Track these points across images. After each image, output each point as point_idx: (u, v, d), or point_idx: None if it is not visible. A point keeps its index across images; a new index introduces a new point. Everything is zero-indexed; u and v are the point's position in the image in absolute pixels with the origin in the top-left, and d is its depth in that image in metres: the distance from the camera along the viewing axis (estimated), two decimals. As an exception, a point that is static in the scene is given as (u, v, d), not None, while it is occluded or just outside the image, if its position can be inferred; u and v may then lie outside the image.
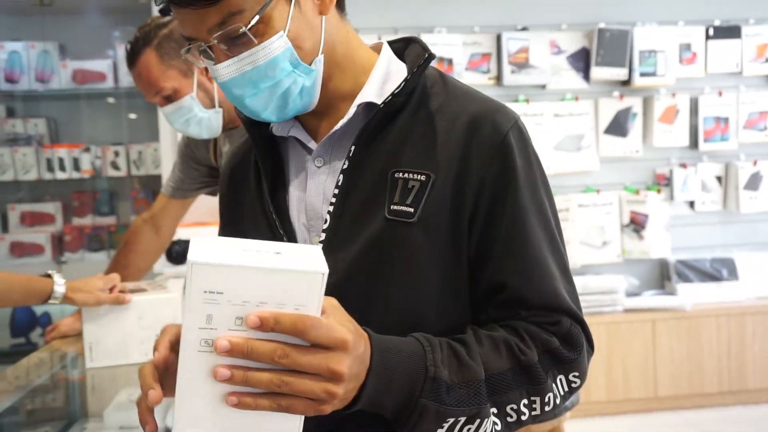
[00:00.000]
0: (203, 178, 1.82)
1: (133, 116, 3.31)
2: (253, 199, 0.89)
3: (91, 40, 3.24)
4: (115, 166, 3.16)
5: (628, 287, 3.47)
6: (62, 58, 3.15)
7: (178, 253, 2.46)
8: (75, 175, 3.11)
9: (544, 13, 3.47)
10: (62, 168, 3.10)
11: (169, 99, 1.55)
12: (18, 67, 3.10)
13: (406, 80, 0.83)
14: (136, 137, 3.24)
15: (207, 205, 2.24)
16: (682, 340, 3.38)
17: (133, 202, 3.26)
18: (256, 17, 0.74)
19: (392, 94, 0.82)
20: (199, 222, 2.61)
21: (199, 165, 1.80)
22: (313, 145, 0.86)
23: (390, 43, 0.91)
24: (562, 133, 3.46)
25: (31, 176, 3.09)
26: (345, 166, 0.83)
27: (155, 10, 2.05)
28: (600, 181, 3.54)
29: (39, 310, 3.10)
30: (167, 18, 1.54)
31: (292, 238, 0.85)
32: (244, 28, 0.74)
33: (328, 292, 0.63)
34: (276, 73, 0.77)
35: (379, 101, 0.82)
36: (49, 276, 1.43)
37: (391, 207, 0.80)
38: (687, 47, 3.51)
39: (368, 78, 0.85)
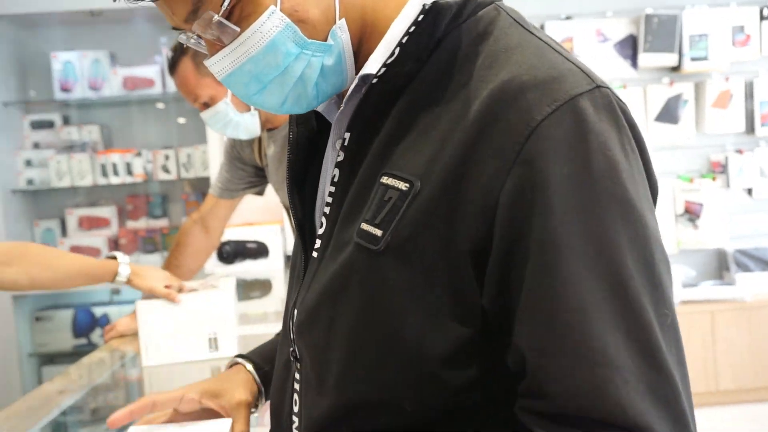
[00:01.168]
0: (249, 178, 1.86)
1: (181, 120, 3.39)
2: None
3: (139, 47, 3.32)
4: (165, 170, 3.24)
5: (684, 278, 3.38)
6: (113, 66, 3.24)
7: (228, 253, 2.51)
8: (128, 179, 3.20)
9: (588, 1, 3.40)
10: (116, 173, 3.19)
11: (207, 105, 1.61)
12: (72, 76, 3.20)
13: (401, 43, 0.59)
14: (184, 140, 3.32)
15: (254, 205, 2.27)
16: (743, 332, 3.26)
17: (184, 204, 3.33)
18: (227, 2, 0.58)
19: (385, 64, 0.59)
20: (247, 222, 2.65)
21: (245, 165, 1.84)
22: None
23: None
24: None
25: (86, 182, 3.19)
26: (339, 158, 0.63)
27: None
28: (651, 170, 3.45)
29: (98, 311, 3.20)
30: None
31: (312, 234, 0.68)
32: (216, 16, 0.58)
33: (298, 323, 0.63)
34: (279, 59, 0.59)
35: (376, 69, 0.61)
36: (114, 258, 1.50)
37: (361, 225, 0.58)
38: (740, 29, 3.38)
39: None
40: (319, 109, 0.67)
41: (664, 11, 3.33)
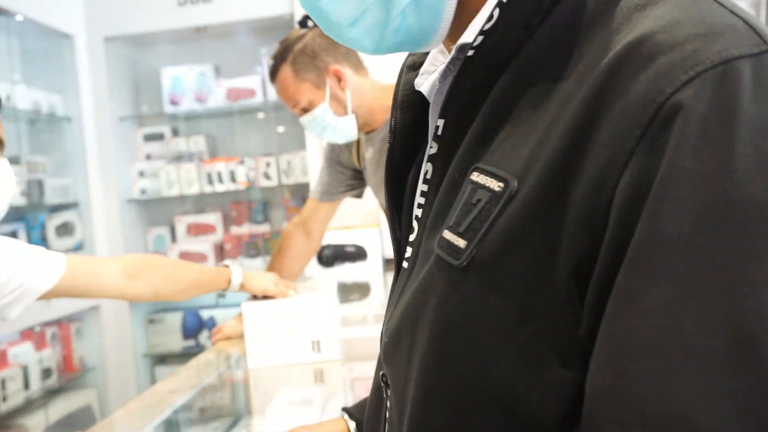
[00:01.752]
0: (348, 181, 1.87)
1: (281, 129, 3.47)
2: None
3: (241, 59, 3.43)
4: (266, 176, 3.32)
5: None
6: (217, 78, 3.37)
7: (327, 257, 2.54)
8: (232, 186, 3.31)
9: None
10: (220, 181, 3.31)
11: (306, 110, 1.62)
12: (179, 90, 3.35)
13: (500, 2, 0.45)
14: (284, 147, 3.40)
15: (352, 208, 2.28)
16: None
17: (285, 209, 3.41)
18: None
19: (482, 31, 0.46)
20: (346, 225, 2.67)
21: (344, 168, 1.85)
22: None
23: None
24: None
25: (193, 190, 3.32)
26: (432, 151, 0.51)
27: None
28: None
29: (205, 314, 3.33)
30: (303, 31, 1.59)
31: (405, 240, 0.58)
32: None
33: (384, 345, 0.54)
34: None
35: (470, 39, 0.47)
36: (226, 266, 1.57)
37: (443, 233, 0.47)
38: None
39: None
40: (422, 89, 0.56)
41: (785, -7, 3.08)
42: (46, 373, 2.83)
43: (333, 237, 2.56)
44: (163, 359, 3.41)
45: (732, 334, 0.35)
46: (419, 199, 0.53)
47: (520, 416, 0.43)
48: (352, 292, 2.40)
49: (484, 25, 0.46)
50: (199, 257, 3.32)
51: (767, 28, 0.40)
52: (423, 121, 0.57)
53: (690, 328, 0.35)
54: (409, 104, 0.58)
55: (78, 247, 3.12)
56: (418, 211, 0.54)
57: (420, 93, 0.56)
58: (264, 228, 3.42)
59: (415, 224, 0.54)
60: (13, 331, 2.68)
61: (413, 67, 0.59)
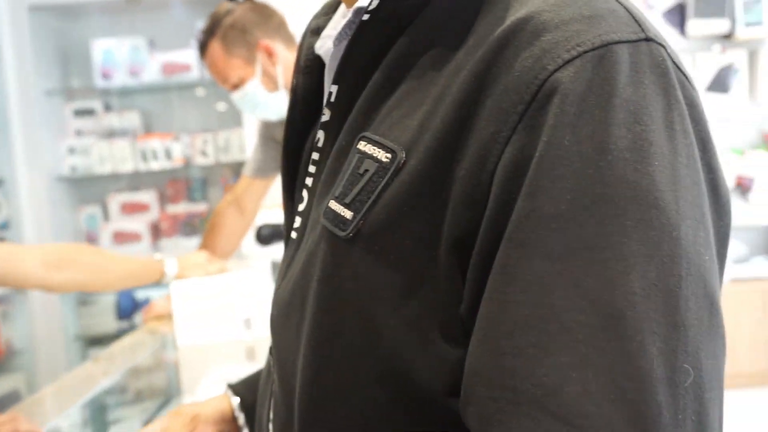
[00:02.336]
0: None
1: (221, 106, 3.40)
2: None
3: (176, 32, 3.34)
4: (203, 154, 3.25)
5: (735, 254, 3.25)
6: (151, 52, 3.26)
7: (265, 236, 2.50)
8: (167, 164, 3.22)
9: (632, -33, 3.27)
10: (155, 158, 3.22)
11: (237, 86, 1.60)
12: (112, 63, 3.23)
13: None
14: (222, 124, 3.33)
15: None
16: (800, 311, 3.13)
17: (223, 188, 3.35)
18: None
19: None
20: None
21: (278, 145, 1.82)
22: None
23: None
24: (657, 95, 3.27)
25: (127, 167, 3.23)
26: (325, 118, 0.51)
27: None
28: (701, 143, 3.32)
29: (141, 295, 3.26)
30: (233, 5, 1.55)
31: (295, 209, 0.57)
32: None
33: (271, 317, 0.53)
34: None
35: (366, 2, 0.47)
36: (159, 260, 1.56)
37: (329, 203, 0.46)
38: (797, -8, 3.21)
39: None
40: (320, 52, 0.55)
41: (714, -24, 3.18)
42: (-29, 357, 2.72)
43: (271, 215, 2.53)
44: (96, 341, 3.32)
45: (600, 310, 0.35)
46: (310, 168, 0.52)
47: (409, 387, 0.42)
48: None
49: None
50: (133, 236, 3.24)
51: (646, 19, 0.42)
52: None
53: (561, 304, 0.36)
54: (311, 69, 0.57)
55: (3, 226, 2.99)
56: (308, 180, 0.53)
57: (319, 58, 0.55)
58: (201, 207, 3.35)
59: (305, 194, 0.53)
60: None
61: (317, 31, 0.57)
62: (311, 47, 0.57)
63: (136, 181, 3.41)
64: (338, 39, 0.50)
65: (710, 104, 3.25)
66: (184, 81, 3.27)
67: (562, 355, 0.35)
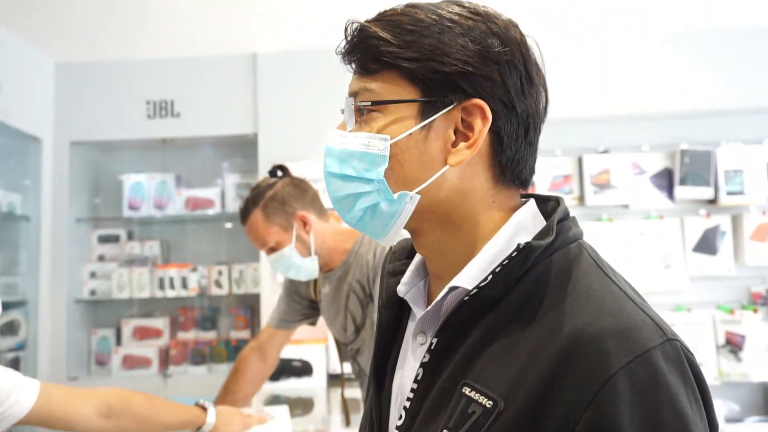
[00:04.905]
0: (304, 311, 2.01)
1: (239, 239, 3.58)
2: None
3: (203, 170, 3.59)
4: (218, 285, 3.40)
5: (727, 413, 3.29)
6: (177, 187, 3.50)
7: (274, 372, 2.60)
8: (183, 293, 3.37)
9: (624, 136, 3.57)
10: (172, 286, 3.37)
11: (273, 249, 1.76)
12: (140, 195, 3.46)
13: (503, 264, 0.66)
14: (238, 257, 3.50)
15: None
16: (795, 473, 3.13)
17: (233, 318, 3.47)
18: (369, 103, 0.69)
19: (477, 287, 0.67)
20: (296, 340, 2.74)
21: (301, 299, 1.99)
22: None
23: (540, 200, 0.75)
24: (648, 252, 3.46)
25: (144, 294, 3.36)
26: (425, 360, 0.70)
27: (262, 144, 2.23)
28: (691, 299, 3.47)
29: None
30: (274, 180, 1.77)
31: (384, 416, 0.77)
32: (353, 103, 0.71)
33: None
34: (353, 165, 0.70)
35: (470, 286, 0.68)
36: (203, 408, 1.61)
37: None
38: (775, 165, 3.49)
39: (479, 252, 0.70)
40: (406, 297, 0.78)
41: (699, 147, 3.47)
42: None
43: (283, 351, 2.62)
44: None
45: None
46: (408, 394, 0.70)
47: None
48: (296, 406, 2.45)
49: (480, 282, 0.67)
50: (143, 361, 3.31)
51: (663, 321, 0.64)
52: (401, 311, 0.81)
53: None
54: (391, 305, 0.80)
55: (20, 346, 3.08)
56: (406, 403, 0.70)
57: (400, 297, 0.79)
58: (211, 335, 3.45)
59: (403, 412, 0.70)
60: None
61: (393, 274, 0.81)
62: (390, 288, 0.80)
63: (151, 306, 3.54)
64: (435, 303, 0.72)
65: (699, 264, 3.44)
66: (204, 214, 3.48)
67: None
